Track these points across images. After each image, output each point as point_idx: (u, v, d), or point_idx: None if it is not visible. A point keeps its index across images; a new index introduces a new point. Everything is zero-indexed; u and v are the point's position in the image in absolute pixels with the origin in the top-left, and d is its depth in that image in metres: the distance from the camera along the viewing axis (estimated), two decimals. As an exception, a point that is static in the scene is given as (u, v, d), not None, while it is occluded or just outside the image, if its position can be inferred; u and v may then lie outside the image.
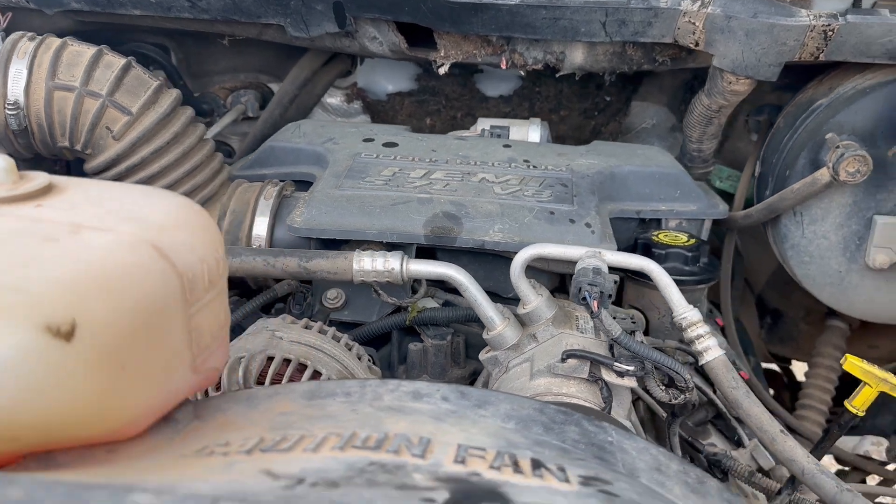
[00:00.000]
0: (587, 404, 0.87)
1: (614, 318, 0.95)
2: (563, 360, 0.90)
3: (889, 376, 0.92)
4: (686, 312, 0.93)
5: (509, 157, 1.29)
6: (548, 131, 1.46)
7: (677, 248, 1.17)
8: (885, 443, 1.48)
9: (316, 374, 0.92)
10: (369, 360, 1.06)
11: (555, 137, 1.76)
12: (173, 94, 1.15)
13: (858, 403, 0.94)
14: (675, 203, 1.32)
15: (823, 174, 1.17)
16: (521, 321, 1.00)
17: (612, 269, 1.01)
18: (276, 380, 0.90)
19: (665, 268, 1.14)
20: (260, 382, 0.89)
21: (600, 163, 1.30)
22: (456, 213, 1.12)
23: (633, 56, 1.30)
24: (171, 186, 1.13)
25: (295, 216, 1.12)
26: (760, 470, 1.15)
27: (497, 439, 0.54)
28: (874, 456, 1.46)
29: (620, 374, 0.88)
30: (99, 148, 1.10)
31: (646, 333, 1.20)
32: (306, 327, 0.99)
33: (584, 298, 0.85)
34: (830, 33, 1.11)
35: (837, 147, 1.14)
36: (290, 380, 0.90)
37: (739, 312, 1.79)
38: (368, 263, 0.96)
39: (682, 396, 0.88)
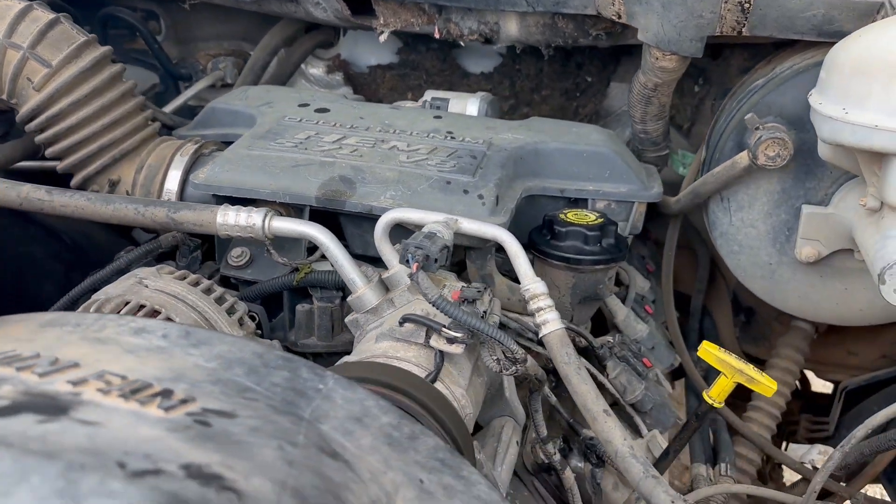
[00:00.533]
0: (411, 367, 0.86)
1: (466, 286, 0.93)
2: (400, 324, 0.89)
3: (746, 367, 0.86)
4: (531, 284, 0.91)
5: (434, 127, 1.28)
6: (490, 106, 1.43)
7: (577, 227, 1.13)
8: (831, 452, 1.38)
9: (169, 321, 0.94)
10: (252, 319, 1.08)
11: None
12: (99, 50, 1.19)
13: (715, 394, 0.90)
14: (603, 183, 1.28)
15: (743, 158, 1.11)
16: (385, 286, 0.99)
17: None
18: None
19: (564, 246, 1.12)
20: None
21: (527, 138, 1.27)
22: (353, 178, 1.12)
23: (564, 29, 1.26)
24: (89, 138, 1.17)
25: (199, 173, 1.14)
26: (657, 462, 1.11)
27: (167, 372, 0.54)
28: (819, 465, 1.37)
29: (450, 341, 0.87)
30: (22, 98, 1.16)
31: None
32: (181, 279, 1.01)
33: (408, 260, 0.84)
34: (747, 6, 1.04)
35: (757, 129, 1.08)
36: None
37: (715, 309, 1.72)
38: (232, 218, 0.98)
39: (514, 368, 0.86)
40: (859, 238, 1.03)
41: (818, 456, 1.38)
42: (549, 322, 0.88)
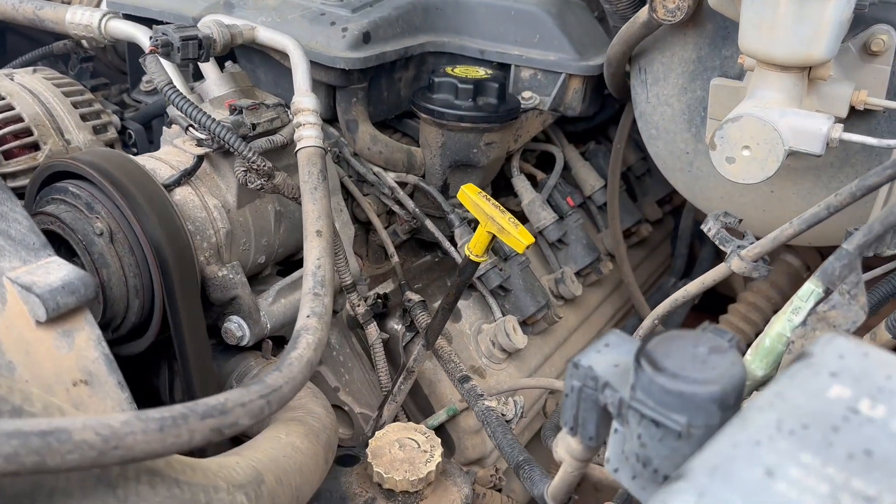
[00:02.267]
0: (160, 164, 0.84)
1: (264, 103, 0.88)
2: (168, 126, 0.88)
3: (501, 217, 0.74)
4: (299, 98, 0.84)
5: (354, -32, 1.21)
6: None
7: (451, 79, 1.02)
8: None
9: (8, 108, 0.99)
10: (126, 135, 1.11)
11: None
12: None
13: (473, 246, 0.78)
14: (530, 49, 1.14)
15: (643, 12, 0.94)
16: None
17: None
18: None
19: (434, 98, 1.03)
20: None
21: (452, -11, 1.16)
22: (234, 3, 1.09)
23: None
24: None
25: (113, -9, 1.18)
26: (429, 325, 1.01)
27: None
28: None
29: (199, 144, 0.83)
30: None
31: (423, 176, 1.08)
32: (52, 80, 1.06)
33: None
34: None
35: (657, -23, 0.90)
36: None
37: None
38: (78, 16, 1.00)
39: (259, 182, 0.81)
40: (743, 110, 0.84)
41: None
42: (304, 138, 0.81)
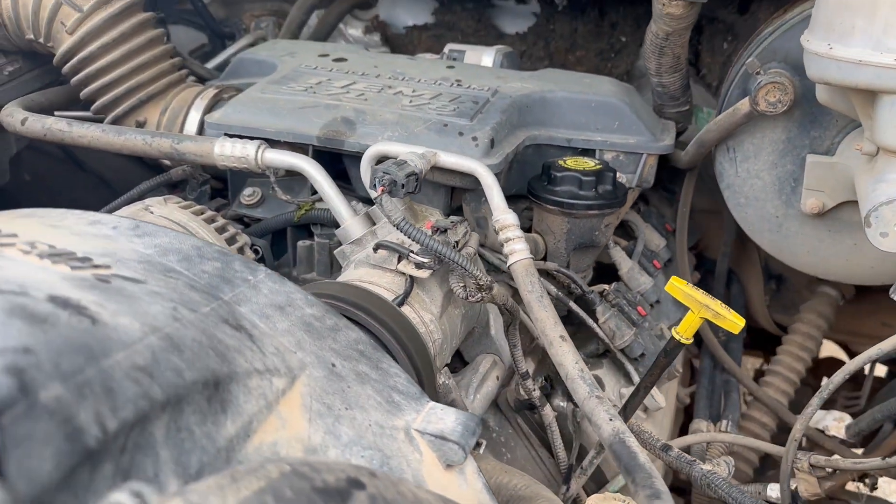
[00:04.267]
0: (381, 291, 0.90)
1: (442, 219, 0.95)
2: (375, 250, 0.93)
3: (713, 303, 0.86)
4: (502, 216, 0.92)
5: (444, 76, 1.30)
6: (506, 58, 1.44)
7: (573, 172, 1.13)
8: (847, 419, 1.35)
9: (167, 244, 1.01)
10: (256, 252, 1.14)
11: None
12: (130, -1, 1.27)
13: (683, 330, 0.89)
14: (611, 135, 1.27)
15: (744, 104, 1.09)
16: (371, 219, 1.03)
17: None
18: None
19: (558, 191, 1.13)
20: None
21: (534, 87, 1.28)
22: (353, 120, 1.15)
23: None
24: (117, 80, 1.25)
25: (214, 114, 1.21)
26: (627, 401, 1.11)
27: (100, 249, 0.59)
28: (832, 432, 1.34)
29: (418, 266, 0.90)
30: (57, 42, 1.25)
31: (544, 258, 1.18)
32: (185, 208, 1.08)
33: (374, 185, 0.87)
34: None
35: (758, 73, 1.06)
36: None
37: (744, 275, 1.68)
38: (228, 149, 1.03)
39: (479, 295, 0.88)
40: (858, 186, 1.00)
41: (833, 423, 1.34)
42: (516, 252, 0.90)
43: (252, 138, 1.16)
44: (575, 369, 0.80)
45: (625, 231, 1.40)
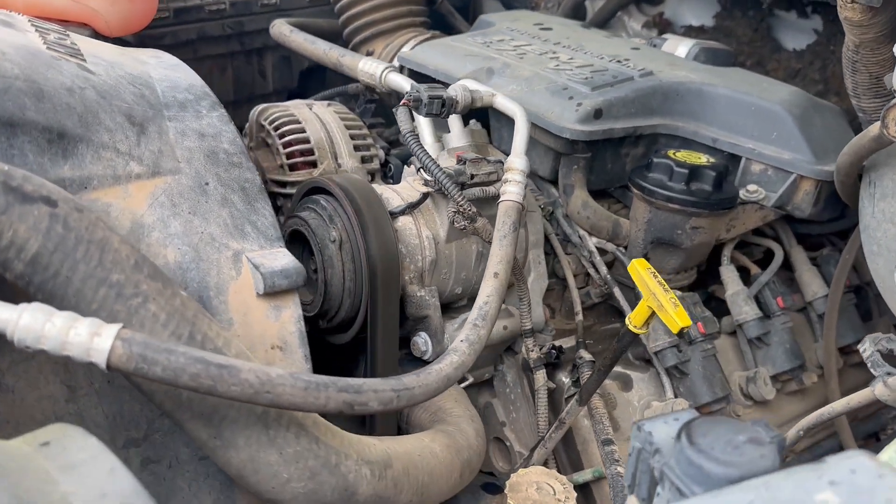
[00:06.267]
0: (392, 194, 1.01)
1: (478, 156, 1.01)
2: (407, 165, 1.04)
3: (663, 295, 0.79)
4: (513, 158, 0.95)
5: (616, 53, 1.30)
6: (703, 52, 1.35)
7: (666, 160, 1.07)
8: None
9: (301, 130, 1.23)
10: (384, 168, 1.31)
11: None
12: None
13: (633, 318, 0.83)
14: (765, 145, 1.15)
15: (875, 127, 0.92)
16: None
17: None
18: (279, 126, 1.24)
19: (649, 177, 1.10)
20: (271, 124, 1.26)
21: (696, 78, 1.21)
22: (496, 70, 1.25)
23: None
24: (358, 17, 1.52)
25: (405, 50, 1.40)
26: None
27: (104, 52, 0.83)
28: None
29: (425, 184, 0.98)
30: (330, -24, 1.57)
31: (625, 247, 1.14)
32: (342, 117, 1.30)
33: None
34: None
35: (893, 92, 0.89)
36: (288, 131, 1.24)
37: None
38: (366, 66, 1.22)
39: (463, 223, 0.93)
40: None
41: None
42: (507, 193, 0.92)
43: (420, 74, 1.34)
44: (482, 298, 0.82)
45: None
